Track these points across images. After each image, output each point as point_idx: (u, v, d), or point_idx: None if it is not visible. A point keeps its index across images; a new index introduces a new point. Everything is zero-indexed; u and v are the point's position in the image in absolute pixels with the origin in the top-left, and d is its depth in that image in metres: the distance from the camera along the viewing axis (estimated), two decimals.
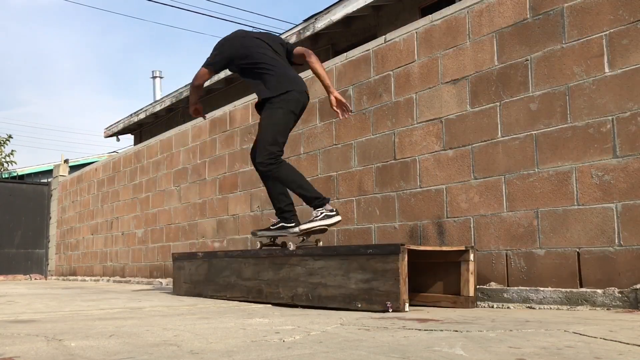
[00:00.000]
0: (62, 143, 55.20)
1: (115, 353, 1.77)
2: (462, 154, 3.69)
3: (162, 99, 13.31)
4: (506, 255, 3.41)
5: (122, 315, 3.11)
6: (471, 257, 3.32)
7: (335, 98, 3.85)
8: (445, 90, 3.83)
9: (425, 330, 2.23)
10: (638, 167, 2.89)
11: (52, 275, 10.58)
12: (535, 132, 3.31)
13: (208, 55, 4.03)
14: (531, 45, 3.38)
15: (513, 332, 2.11)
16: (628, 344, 1.79)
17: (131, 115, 14.12)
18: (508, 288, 3.36)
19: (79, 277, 9.48)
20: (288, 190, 3.96)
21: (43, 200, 10.87)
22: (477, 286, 3.41)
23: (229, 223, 5.97)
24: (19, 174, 20.48)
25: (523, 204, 3.34)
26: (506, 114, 3.47)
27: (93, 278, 8.99)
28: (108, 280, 8.46)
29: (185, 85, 12.00)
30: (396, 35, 4.23)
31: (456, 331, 2.16)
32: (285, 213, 3.97)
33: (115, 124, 14.81)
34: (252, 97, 5.80)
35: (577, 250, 3.09)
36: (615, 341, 1.84)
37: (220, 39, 4.11)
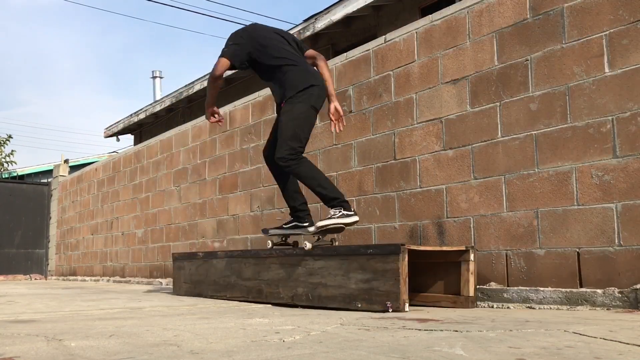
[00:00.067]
0: (62, 143, 55.24)
1: (115, 353, 1.77)
2: (462, 154, 3.69)
3: (162, 99, 13.31)
4: (506, 255, 3.41)
5: (122, 315, 3.11)
6: (471, 257, 3.32)
7: (335, 108, 3.84)
8: (445, 90, 3.83)
9: (425, 330, 2.23)
10: (638, 167, 2.89)
11: (52, 275, 10.58)
12: (535, 132, 3.31)
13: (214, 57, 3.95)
14: (531, 45, 3.38)
15: (513, 332, 2.11)
16: (628, 344, 1.79)
17: (131, 115, 14.12)
18: (508, 288, 3.36)
19: (79, 277, 9.48)
20: (291, 191, 3.89)
21: (43, 200, 10.87)
22: (477, 286, 3.41)
23: (229, 223, 5.97)
24: (19, 174, 20.48)
25: (523, 204, 3.34)
26: (506, 114, 3.47)
27: (93, 278, 8.99)
28: (108, 280, 8.46)
29: (186, 85, 12.00)
30: (396, 35, 4.24)
31: (456, 331, 2.16)
32: (300, 212, 3.88)
33: (115, 124, 14.81)
34: (252, 97, 5.80)
35: (577, 250, 3.09)
36: (615, 341, 1.84)
37: (236, 30, 3.97)
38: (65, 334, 2.26)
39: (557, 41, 3.26)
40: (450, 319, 2.65)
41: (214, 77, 3.84)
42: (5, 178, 17.18)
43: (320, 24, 8.50)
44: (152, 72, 21.58)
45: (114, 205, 8.56)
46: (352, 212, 3.57)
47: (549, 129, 3.26)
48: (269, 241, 4.07)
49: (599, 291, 2.96)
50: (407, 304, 3.01)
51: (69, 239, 10.06)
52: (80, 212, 9.72)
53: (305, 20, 8.90)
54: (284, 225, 3.96)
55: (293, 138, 3.62)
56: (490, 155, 3.54)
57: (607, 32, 3.05)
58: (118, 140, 15.53)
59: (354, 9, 8.04)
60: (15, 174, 19.63)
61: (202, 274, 4.63)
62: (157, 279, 7.21)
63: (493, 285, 3.44)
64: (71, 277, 9.78)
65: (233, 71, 4.72)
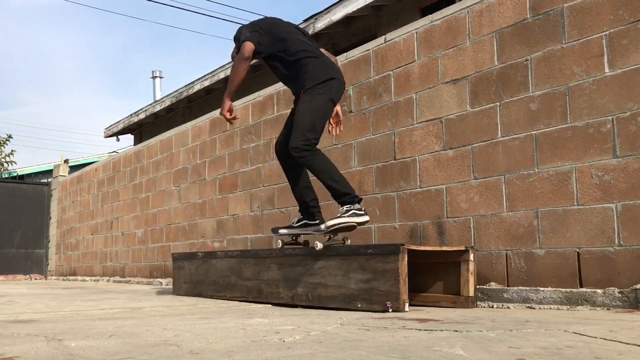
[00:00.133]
0: (62, 143, 55.23)
1: (115, 353, 1.77)
2: (462, 154, 3.69)
3: (162, 99, 13.31)
4: (506, 255, 3.41)
5: (122, 315, 3.11)
6: (471, 257, 3.32)
7: (336, 111, 3.82)
8: (445, 90, 3.83)
9: (425, 330, 2.23)
10: (638, 167, 2.89)
11: (52, 275, 10.58)
12: (535, 132, 3.31)
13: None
14: (531, 45, 3.38)
15: (513, 332, 2.11)
16: (628, 344, 1.79)
17: (131, 115, 14.12)
18: (508, 288, 3.36)
19: (79, 277, 9.48)
20: (298, 189, 3.81)
21: (43, 200, 10.87)
22: (477, 286, 3.41)
23: (229, 223, 5.97)
24: (19, 174, 20.48)
25: (523, 204, 3.34)
26: (506, 114, 3.47)
27: (93, 278, 8.99)
28: (108, 280, 8.46)
29: (186, 85, 12.00)
30: (396, 35, 4.24)
31: (456, 331, 2.16)
32: (311, 209, 3.76)
33: (115, 124, 14.81)
34: (252, 97, 5.80)
35: (577, 250, 3.09)
36: (615, 341, 1.84)
37: (251, 21, 3.87)
38: (65, 334, 2.26)
39: (557, 41, 3.26)
40: (450, 319, 2.65)
41: (245, 58, 3.62)
42: (5, 178, 17.18)
43: (320, 24, 8.50)
44: (152, 72, 21.57)
45: (114, 205, 8.56)
46: (363, 212, 3.48)
47: (549, 129, 3.26)
48: (279, 241, 3.95)
49: (599, 291, 2.96)
50: (407, 304, 3.01)
51: (69, 239, 10.06)
52: (80, 212, 9.72)
53: (305, 20, 8.89)
54: (293, 224, 3.87)
55: (310, 129, 3.51)
56: (490, 155, 3.54)
57: (607, 32, 3.05)
58: (118, 140, 15.55)
59: (354, 9, 8.04)
60: (15, 174, 19.63)
61: (202, 274, 4.63)
62: (157, 279, 7.21)
63: (493, 285, 3.44)
64: (71, 277, 9.78)
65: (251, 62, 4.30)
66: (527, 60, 3.39)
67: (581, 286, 3.06)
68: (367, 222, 3.51)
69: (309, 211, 3.78)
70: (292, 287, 3.66)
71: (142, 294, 5.19)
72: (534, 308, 3.17)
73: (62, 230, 10.35)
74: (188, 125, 6.98)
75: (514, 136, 3.42)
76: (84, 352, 1.80)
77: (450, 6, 3.88)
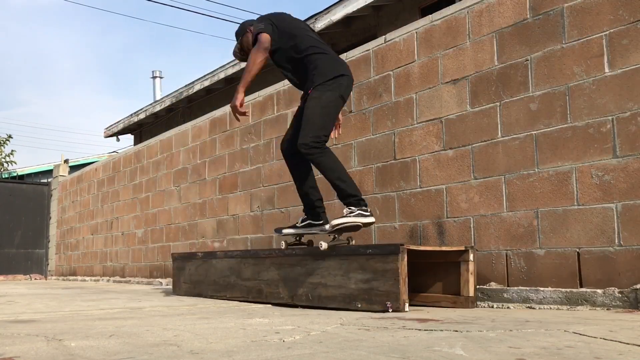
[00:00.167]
0: (62, 143, 55.25)
1: (115, 353, 1.77)
2: (462, 154, 3.69)
3: (162, 99, 13.31)
4: (506, 255, 3.41)
5: (122, 315, 3.11)
6: (471, 257, 3.32)
7: None
8: (445, 90, 3.83)
9: (425, 330, 2.23)
10: (638, 167, 2.89)
11: (52, 275, 10.58)
12: (535, 132, 3.31)
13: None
14: (531, 45, 3.38)
15: (513, 332, 2.11)
16: (628, 344, 1.79)
17: (131, 115, 14.12)
18: (508, 288, 3.36)
19: (79, 277, 9.48)
20: (301, 188, 3.75)
21: (43, 200, 10.88)
22: (477, 286, 3.41)
23: (229, 223, 5.97)
24: (19, 174, 20.49)
25: (523, 204, 3.34)
26: (506, 114, 3.47)
27: (93, 278, 8.99)
28: (108, 280, 8.47)
29: (186, 85, 12.00)
30: (396, 35, 4.24)
31: (456, 331, 2.16)
32: (316, 209, 3.70)
33: (115, 124, 14.81)
34: (252, 97, 5.80)
35: (577, 250, 3.09)
36: (615, 341, 1.84)
37: (261, 15, 3.81)
38: (65, 334, 2.26)
39: (557, 41, 3.26)
40: (450, 319, 2.65)
41: (264, 48, 3.54)
42: (5, 178, 17.18)
43: (320, 24, 8.50)
44: (152, 72, 21.56)
45: (114, 205, 8.56)
46: (369, 213, 3.43)
47: (549, 129, 3.26)
48: (283, 241, 3.89)
49: (599, 291, 2.96)
50: (407, 304, 3.01)
51: (69, 239, 10.06)
52: (80, 212, 9.72)
53: (305, 21, 8.90)
54: (297, 224, 3.82)
55: (320, 126, 3.46)
56: (490, 155, 3.54)
57: (607, 32, 3.05)
58: (118, 140, 15.54)
59: (354, 9, 8.04)
60: (15, 174, 19.64)
61: (201, 274, 4.63)
62: (157, 279, 7.21)
63: (493, 285, 3.44)
64: (71, 277, 9.78)
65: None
66: (527, 60, 3.39)
67: (581, 286, 3.06)
68: (372, 223, 3.47)
69: (315, 211, 3.72)
70: (292, 287, 3.66)
71: (142, 294, 5.19)
72: (534, 308, 3.17)
73: (62, 230, 10.35)
74: (188, 125, 6.98)
75: (514, 136, 3.42)
76: (84, 352, 1.80)
77: (450, 6, 3.88)
